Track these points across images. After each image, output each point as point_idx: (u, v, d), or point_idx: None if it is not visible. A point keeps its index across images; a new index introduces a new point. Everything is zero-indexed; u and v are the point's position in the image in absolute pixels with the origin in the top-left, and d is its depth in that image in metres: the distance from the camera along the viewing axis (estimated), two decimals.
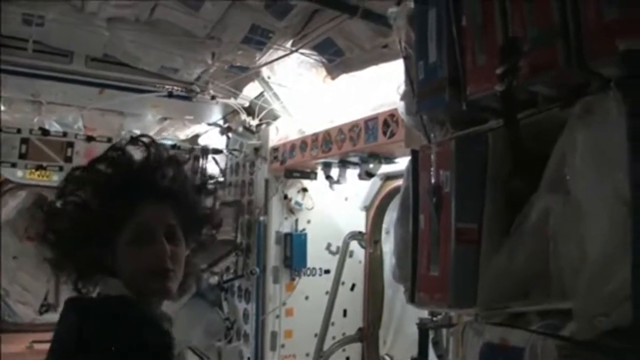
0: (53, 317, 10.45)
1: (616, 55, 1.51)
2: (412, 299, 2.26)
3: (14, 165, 6.54)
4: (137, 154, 2.12)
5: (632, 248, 1.48)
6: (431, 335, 3.42)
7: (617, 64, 1.54)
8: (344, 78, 4.57)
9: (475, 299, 2.03)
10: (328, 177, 4.89)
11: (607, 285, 1.54)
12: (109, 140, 6.67)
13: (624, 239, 1.50)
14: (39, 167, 6.64)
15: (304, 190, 5.79)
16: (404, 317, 5.92)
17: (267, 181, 5.86)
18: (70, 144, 6.52)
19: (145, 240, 2.02)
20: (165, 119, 7.53)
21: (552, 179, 1.84)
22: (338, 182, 4.85)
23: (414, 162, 2.29)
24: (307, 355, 5.90)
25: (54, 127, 6.80)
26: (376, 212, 5.83)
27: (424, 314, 3.57)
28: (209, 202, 2.28)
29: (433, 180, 2.15)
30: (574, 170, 1.71)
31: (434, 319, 3.17)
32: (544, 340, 1.72)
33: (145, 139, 2.13)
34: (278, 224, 5.80)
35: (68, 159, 6.51)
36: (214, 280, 6.21)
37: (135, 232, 2.02)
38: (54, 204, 2.07)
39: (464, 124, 2.26)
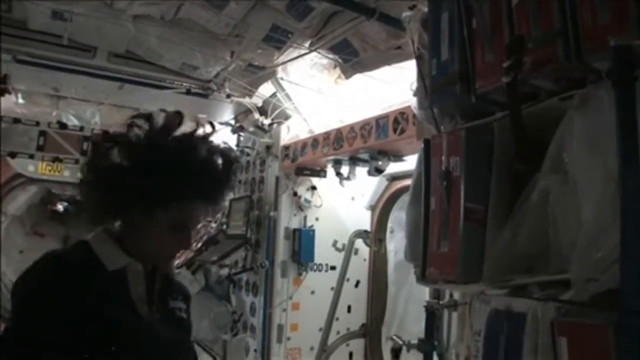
0: None
1: (608, 51, 1.72)
2: (422, 274, 2.46)
3: (31, 156, 6.63)
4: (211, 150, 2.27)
5: (620, 219, 1.68)
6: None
7: (608, 59, 1.75)
8: (355, 80, 4.73)
9: (481, 274, 2.23)
10: (338, 174, 5.00)
11: (599, 252, 1.75)
12: None
13: (613, 211, 1.70)
14: (56, 160, 6.76)
15: (313, 188, 5.93)
16: (406, 315, 6.02)
17: (277, 178, 5.99)
18: (87, 138, 6.60)
19: (179, 229, 2.23)
20: None
21: (552, 162, 2.05)
22: (348, 178, 4.98)
23: (426, 150, 2.51)
24: (312, 348, 5.98)
25: (72, 121, 6.92)
26: (381, 211, 5.97)
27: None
28: None
29: (444, 166, 2.36)
30: (571, 153, 1.93)
31: (440, 302, 3.36)
32: (544, 304, 1.93)
33: (227, 147, 2.35)
34: (287, 219, 5.92)
35: (84, 153, 6.57)
36: (224, 272, 6.36)
37: (177, 220, 2.20)
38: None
39: (473, 116, 2.47)
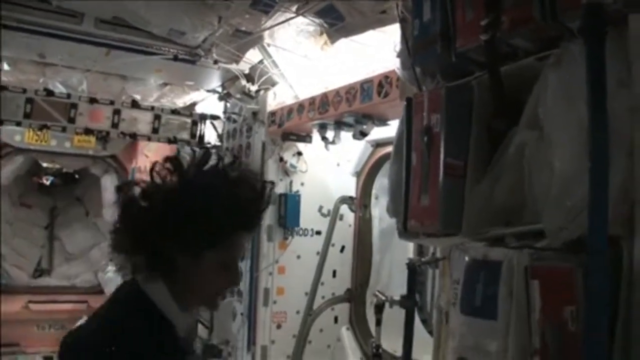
0: (46, 281, 10.70)
1: (580, 9, 1.80)
2: (404, 227, 2.56)
3: (18, 124, 6.63)
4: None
5: (589, 169, 1.77)
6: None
7: (581, 17, 1.83)
8: (341, 44, 4.78)
9: (460, 226, 2.33)
10: (324, 138, 5.04)
11: (570, 200, 1.85)
12: (112, 102, 6.86)
13: (584, 161, 1.79)
14: (43, 127, 6.75)
15: (299, 154, 5.99)
16: (390, 281, 6.11)
17: (264, 144, 6.04)
18: (74, 105, 6.64)
19: (229, 265, 2.18)
20: (165, 84, 7.68)
21: (528, 118, 2.14)
22: (333, 142, 5.02)
23: (408, 108, 2.59)
24: (298, 312, 6.09)
25: (58, 88, 6.94)
26: (366, 177, 6.05)
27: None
28: None
29: (425, 123, 2.45)
30: (546, 107, 2.02)
31: (422, 259, 3.45)
32: (519, 252, 2.03)
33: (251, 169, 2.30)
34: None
35: (71, 120, 6.65)
36: None
37: (230, 254, 2.16)
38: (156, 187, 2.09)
39: (453, 76, 2.54)
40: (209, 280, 2.14)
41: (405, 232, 2.56)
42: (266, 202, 2.21)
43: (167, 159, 2.12)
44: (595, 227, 1.72)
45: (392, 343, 4.73)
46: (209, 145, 7.22)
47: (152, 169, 2.09)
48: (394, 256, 6.04)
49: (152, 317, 2.06)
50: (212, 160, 2.16)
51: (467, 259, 2.21)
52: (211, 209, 2.02)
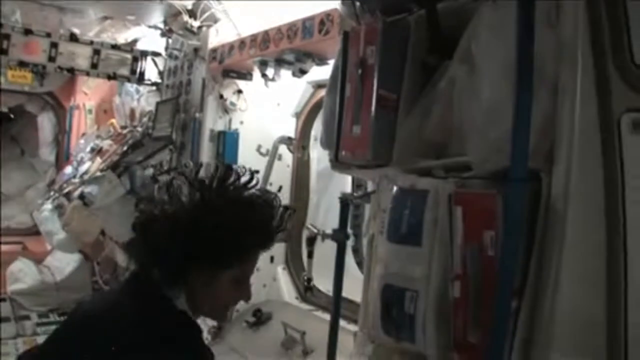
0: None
1: None
2: (336, 158, 2.60)
3: None
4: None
5: (514, 103, 1.83)
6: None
7: None
8: None
9: (390, 157, 2.39)
10: (264, 75, 5.03)
11: (495, 131, 1.91)
12: (48, 35, 6.66)
13: (510, 95, 1.85)
14: None
15: (239, 92, 5.94)
16: (326, 223, 6.16)
17: (204, 80, 5.98)
18: (6, 36, 6.42)
19: (244, 280, 2.27)
20: (106, 18, 7.45)
21: (461, 53, 2.20)
22: (273, 79, 5.01)
23: (345, 41, 2.61)
24: None
25: None
26: (306, 119, 6.03)
27: None
28: None
29: (360, 55, 2.47)
30: (479, 42, 2.07)
31: (355, 194, 3.52)
32: (445, 181, 2.10)
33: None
34: (212, 122, 5.95)
35: (4, 52, 6.45)
36: (149, 172, 6.39)
37: (244, 271, 2.24)
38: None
39: (392, 13, 2.57)
40: (221, 296, 2.23)
41: (337, 162, 2.60)
42: (285, 225, 2.29)
43: (181, 173, 2.22)
44: (516, 156, 1.79)
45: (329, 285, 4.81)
46: (148, 83, 7.13)
47: (170, 184, 2.18)
48: (332, 198, 6.09)
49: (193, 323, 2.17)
50: (232, 177, 2.20)
51: (395, 188, 2.27)
52: (233, 231, 2.10)
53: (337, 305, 3.28)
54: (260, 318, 5.06)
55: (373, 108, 2.37)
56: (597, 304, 1.82)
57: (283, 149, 6.09)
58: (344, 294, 3.32)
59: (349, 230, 3.74)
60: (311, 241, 4.21)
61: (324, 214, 6.35)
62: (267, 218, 2.22)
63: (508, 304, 1.86)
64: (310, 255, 4.40)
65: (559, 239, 1.82)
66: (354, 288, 3.38)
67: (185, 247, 2.07)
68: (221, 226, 2.09)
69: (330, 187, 6.13)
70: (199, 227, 2.07)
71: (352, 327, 3.49)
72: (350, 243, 4.23)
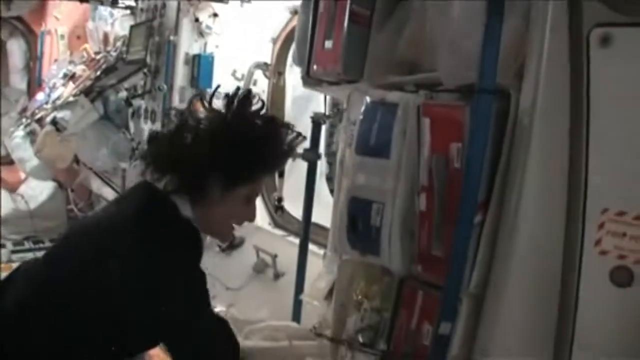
0: None
1: None
2: (307, 73, 2.60)
3: None
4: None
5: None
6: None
7: None
8: None
9: (362, 73, 2.39)
10: None
11: (464, 47, 1.92)
12: None
13: (481, 7, 1.85)
14: None
15: (215, 15, 5.83)
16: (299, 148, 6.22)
17: (179, 3, 5.86)
18: None
19: (253, 199, 2.31)
20: None
21: None
22: (249, 1, 4.99)
23: None
24: None
25: None
26: (283, 44, 5.96)
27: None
28: None
29: None
30: None
31: (327, 114, 3.53)
32: (415, 95, 2.10)
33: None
34: (187, 45, 5.87)
35: None
36: (123, 95, 6.33)
37: (255, 190, 2.28)
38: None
39: None
40: (231, 213, 2.27)
41: (308, 78, 2.60)
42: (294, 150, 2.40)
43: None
44: (485, 68, 1.79)
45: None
46: (122, 6, 7.00)
47: (204, 100, 2.28)
48: (307, 125, 6.09)
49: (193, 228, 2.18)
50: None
51: (365, 101, 2.28)
52: (257, 147, 2.16)
53: (306, 226, 3.32)
54: (232, 242, 5.09)
55: (345, 24, 2.35)
56: (558, 219, 1.86)
57: (259, 75, 6.04)
58: (316, 220, 3.36)
59: (322, 155, 3.77)
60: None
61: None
62: (284, 139, 2.28)
63: (472, 216, 1.89)
64: (281, 175, 4.44)
65: (524, 153, 1.84)
66: (326, 215, 3.37)
67: (210, 155, 2.12)
68: (247, 140, 2.15)
69: (305, 113, 6.13)
70: (227, 138, 2.13)
71: (323, 252, 3.53)
72: (325, 171, 4.23)
